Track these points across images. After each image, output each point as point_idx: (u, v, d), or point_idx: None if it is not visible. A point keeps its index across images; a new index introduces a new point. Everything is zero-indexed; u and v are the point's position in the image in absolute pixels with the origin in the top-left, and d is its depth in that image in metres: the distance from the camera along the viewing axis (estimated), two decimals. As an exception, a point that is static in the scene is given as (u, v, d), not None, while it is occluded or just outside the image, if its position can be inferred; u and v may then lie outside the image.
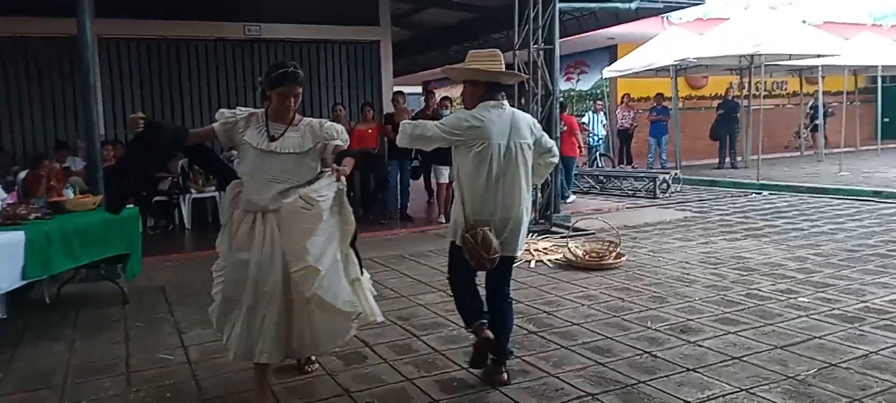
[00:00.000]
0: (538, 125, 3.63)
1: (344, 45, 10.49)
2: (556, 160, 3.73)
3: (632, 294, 5.16)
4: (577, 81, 19.04)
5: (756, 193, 11.12)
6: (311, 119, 3.23)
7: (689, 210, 9.61)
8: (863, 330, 4.12)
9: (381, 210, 9.15)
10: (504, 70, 3.44)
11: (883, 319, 4.32)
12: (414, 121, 3.61)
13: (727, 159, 14.76)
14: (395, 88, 10.91)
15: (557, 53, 8.54)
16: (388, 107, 9.98)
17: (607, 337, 4.15)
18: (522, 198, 3.43)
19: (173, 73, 9.61)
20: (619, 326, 4.37)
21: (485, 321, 3.45)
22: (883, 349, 3.79)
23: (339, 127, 3.26)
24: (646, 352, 3.87)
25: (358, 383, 3.54)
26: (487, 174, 3.31)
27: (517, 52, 8.30)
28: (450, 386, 3.46)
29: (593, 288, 5.38)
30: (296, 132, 3.12)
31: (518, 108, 8.57)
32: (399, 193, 9.08)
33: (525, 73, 8.19)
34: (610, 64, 15.93)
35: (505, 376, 3.46)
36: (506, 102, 3.47)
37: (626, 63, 14.85)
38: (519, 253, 3.61)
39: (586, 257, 6.28)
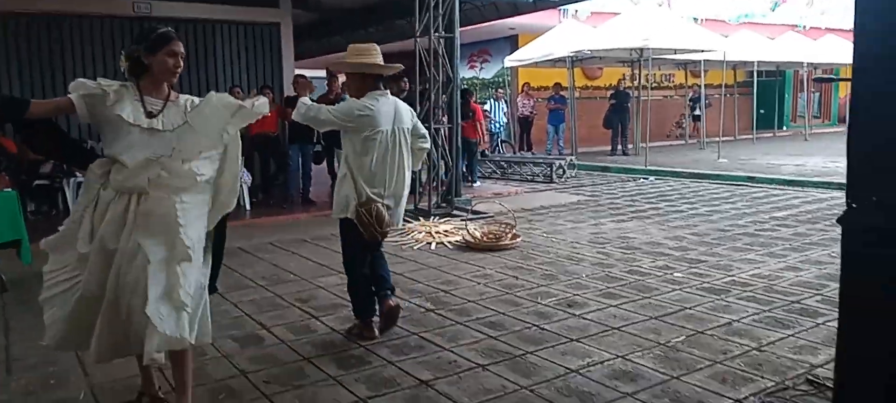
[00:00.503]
0: (414, 114, 4.07)
1: (242, 25, 10.21)
2: (428, 145, 4.16)
3: (525, 272, 5.42)
4: (481, 70, 19.42)
5: (643, 178, 11.83)
6: (188, 95, 2.89)
7: (583, 194, 10.11)
8: (728, 301, 4.55)
9: (282, 194, 9.04)
10: (384, 63, 3.86)
11: (746, 291, 4.78)
12: (310, 102, 3.91)
13: (619, 146, 15.56)
14: (297, 71, 10.76)
15: (458, 42, 8.72)
16: (289, 91, 9.83)
17: (500, 313, 4.36)
18: (405, 176, 3.87)
19: (55, 51, 9.01)
20: (511, 302, 4.60)
21: (374, 316, 3.94)
22: (744, 317, 4.21)
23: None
24: (534, 325, 4.11)
25: (254, 363, 3.56)
26: (377, 156, 3.71)
27: (419, 39, 8.42)
28: (347, 363, 3.55)
29: (490, 267, 5.60)
30: (176, 107, 2.77)
31: (419, 96, 8.74)
32: (301, 177, 8.99)
33: (426, 60, 8.38)
34: (511, 53, 16.36)
35: (394, 302, 3.93)
36: (387, 91, 3.87)
37: (526, 53, 15.31)
38: (400, 225, 4.14)
39: (484, 239, 6.51)
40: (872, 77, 2.45)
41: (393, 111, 3.81)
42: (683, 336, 3.88)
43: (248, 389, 3.25)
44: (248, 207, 8.48)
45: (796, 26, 20.93)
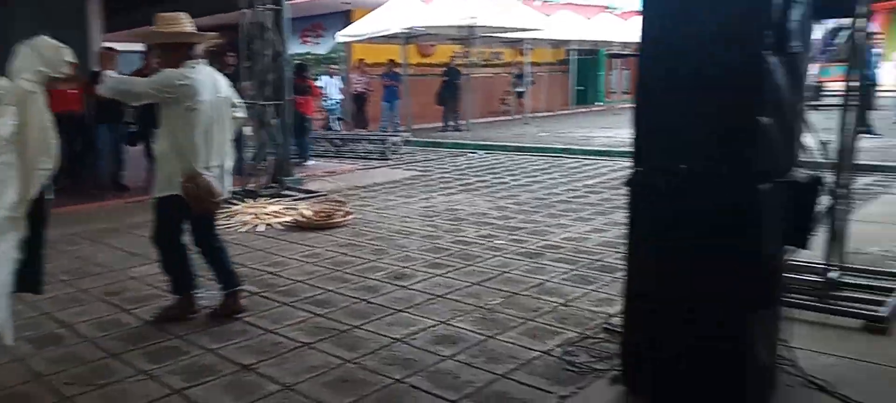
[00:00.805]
0: (230, 84, 4.02)
1: (38, -8, 9.10)
2: (242, 115, 4.12)
3: (355, 248, 5.44)
4: (316, 45, 18.97)
5: (472, 153, 12.29)
6: None
7: (415, 170, 10.30)
8: (541, 264, 4.91)
9: (91, 179, 8.25)
10: (197, 31, 3.78)
11: (557, 253, 5.19)
12: (119, 75, 3.78)
13: (450, 122, 16.02)
14: (106, 44, 9.81)
15: (287, 15, 8.43)
16: (95, 65, 8.95)
17: (328, 291, 4.36)
18: (228, 145, 3.84)
19: None
20: (340, 279, 4.61)
21: (196, 290, 3.84)
22: (555, 277, 4.57)
23: None
24: (362, 300, 4.16)
25: (53, 365, 3.25)
26: (201, 126, 3.59)
27: (246, 12, 8.06)
28: (160, 356, 3.36)
29: (320, 246, 5.55)
30: None
31: (246, 70, 8.40)
32: (112, 160, 8.26)
33: (253, 34, 8.06)
34: (344, 28, 16.16)
35: (243, 302, 3.92)
36: (201, 61, 3.73)
37: (360, 28, 15.20)
38: (228, 194, 4.06)
39: (315, 218, 6.43)
40: (654, 48, 2.75)
41: (211, 81, 3.73)
42: (501, 299, 4.14)
43: (45, 393, 2.98)
44: (50, 195, 7.64)
45: (608, 8, 22.70)
